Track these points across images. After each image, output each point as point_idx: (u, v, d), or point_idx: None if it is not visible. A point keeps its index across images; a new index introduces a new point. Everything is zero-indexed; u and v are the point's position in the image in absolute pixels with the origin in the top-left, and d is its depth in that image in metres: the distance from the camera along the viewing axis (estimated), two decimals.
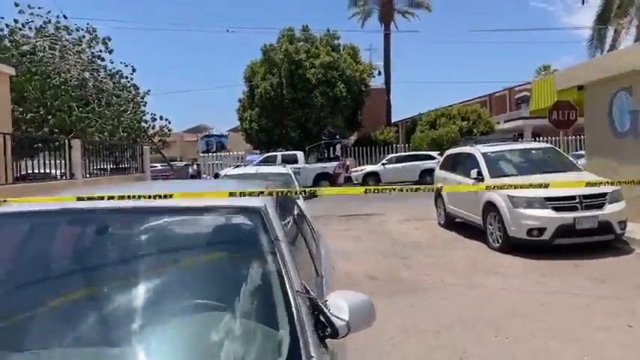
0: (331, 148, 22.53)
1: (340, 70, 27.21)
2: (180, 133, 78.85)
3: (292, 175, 8.13)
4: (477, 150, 8.84)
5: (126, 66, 12.61)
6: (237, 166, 10.18)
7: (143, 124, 12.04)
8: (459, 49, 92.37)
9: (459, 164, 9.56)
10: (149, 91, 12.84)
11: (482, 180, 8.23)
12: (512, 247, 7.34)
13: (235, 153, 31.38)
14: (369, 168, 23.99)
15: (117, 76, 11.93)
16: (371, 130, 30.92)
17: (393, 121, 35.09)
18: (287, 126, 27.11)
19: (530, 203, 7.06)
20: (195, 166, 33.01)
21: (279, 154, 21.58)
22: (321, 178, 20.72)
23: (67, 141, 7.25)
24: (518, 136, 28.77)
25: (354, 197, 19.75)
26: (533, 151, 8.78)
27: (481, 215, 8.13)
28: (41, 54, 11.53)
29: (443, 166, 10.61)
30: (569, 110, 10.23)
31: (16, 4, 11.46)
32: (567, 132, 11.90)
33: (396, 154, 25.40)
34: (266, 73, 27.36)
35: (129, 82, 12.65)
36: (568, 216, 6.85)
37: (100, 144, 9.27)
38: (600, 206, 6.93)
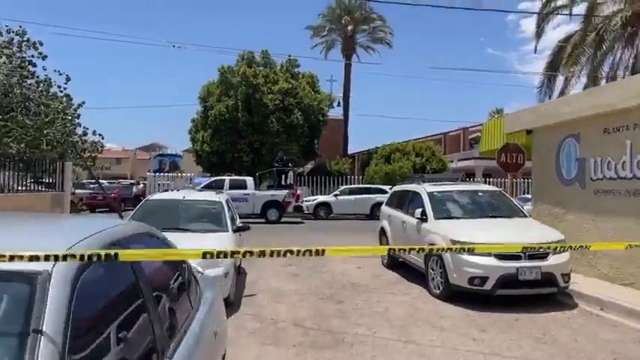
0: (283, 175, 21.88)
1: (298, 98, 26.93)
2: (134, 150, 76.67)
3: (224, 205, 7.42)
4: (423, 189, 8.45)
5: (60, 74, 11.67)
6: (166, 190, 9.41)
7: (73, 137, 11.04)
8: (418, 86, 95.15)
9: (405, 202, 9.15)
10: (83, 102, 11.91)
11: (425, 220, 7.80)
12: (454, 294, 6.87)
13: (186, 174, 30.26)
14: (321, 198, 23.52)
15: (45, 84, 10.95)
16: (327, 159, 30.63)
17: (349, 152, 35.04)
18: (240, 150, 26.40)
19: (473, 249, 6.63)
20: (140, 186, 31.52)
21: (227, 178, 20.76)
22: (270, 206, 19.99)
23: None
24: (467, 176, 29.13)
25: (303, 227, 19.16)
26: (480, 194, 8.46)
27: (423, 258, 7.67)
28: None
29: (389, 203, 10.19)
30: (518, 153, 10.10)
31: None
32: (515, 175, 11.78)
33: (350, 186, 25.07)
34: (222, 94, 26.72)
35: (61, 91, 11.69)
36: (511, 265, 6.46)
37: (6, 157, 8.29)
38: (544, 257, 6.59)
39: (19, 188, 8.55)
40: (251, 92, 26.07)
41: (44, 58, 11.70)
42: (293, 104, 26.57)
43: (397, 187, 10.40)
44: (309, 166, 33.00)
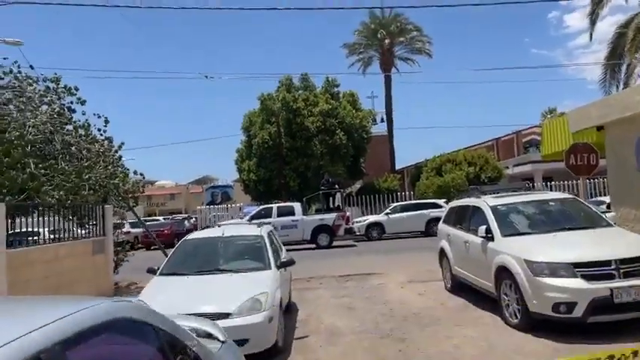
0: (330, 198, 21.25)
1: (340, 118, 26.40)
2: (186, 184, 78.74)
3: (266, 239, 6.82)
4: (485, 202, 7.53)
5: (99, 117, 11.64)
6: (207, 227, 8.99)
7: (114, 180, 10.89)
8: (463, 94, 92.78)
9: (465, 219, 8.24)
10: (122, 143, 11.85)
11: (491, 239, 6.88)
12: (535, 324, 5.90)
13: (237, 205, 30.27)
14: (372, 218, 22.65)
15: (83, 128, 10.90)
16: (375, 178, 29.80)
17: (397, 167, 34.04)
18: (286, 176, 26.05)
19: (554, 270, 5.68)
20: (192, 220, 31.84)
21: (274, 206, 20.35)
22: (320, 231, 19.34)
23: None
24: (528, 182, 27.41)
25: (355, 250, 18.35)
26: (552, 203, 7.44)
27: (493, 282, 6.73)
28: (5, 107, 10.63)
29: (447, 221, 9.28)
30: (589, 153, 8.96)
31: None
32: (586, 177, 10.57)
33: (401, 203, 24.08)
34: (264, 122, 26.61)
35: (101, 134, 11.64)
36: (603, 286, 5.45)
37: (44, 206, 8.09)
38: None
39: (60, 237, 8.33)
40: (292, 117, 25.81)
41: (83, 103, 11.73)
42: (335, 125, 26.05)
43: (454, 203, 9.49)
44: (357, 185, 32.25)
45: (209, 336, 3.01)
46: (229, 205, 30.72)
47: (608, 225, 6.88)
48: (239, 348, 5.05)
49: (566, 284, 5.55)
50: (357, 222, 22.50)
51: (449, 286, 8.95)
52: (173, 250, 6.84)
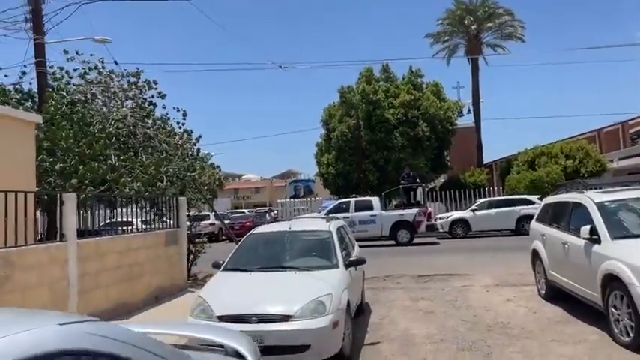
0: (411, 192, 20.33)
1: (422, 109, 25.25)
2: (271, 179, 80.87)
3: (335, 235, 6.33)
4: (589, 199, 6.48)
5: (178, 111, 11.84)
6: (275, 220, 8.68)
7: (192, 173, 10.98)
8: (559, 81, 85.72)
9: (563, 217, 7.20)
10: (200, 136, 11.98)
11: (597, 241, 5.86)
12: None
13: (318, 199, 30.22)
14: (456, 215, 21.40)
15: (161, 121, 11.10)
16: (461, 172, 28.29)
17: (485, 161, 32.11)
18: (365, 170, 25.44)
19: None
20: (273, 213, 32.36)
21: (352, 200, 19.84)
22: (400, 227, 18.55)
23: (59, 195, 6.16)
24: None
25: (438, 248, 17.36)
26: None
27: (599, 292, 5.73)
28: (92, 102, 11.09)
29: (541, 219, 8.24)
30: None
31: (66, 52, 11.21)
32: None
33: (489, 199, 22.56)
34: (343, 115, 26.16)
35: (180, 127, 11.82)
36: None
37: (120, 197, 8.21)
38: None
39: (136, 229, 8.46)
40: (371, 109, 25.09)
41: (163, 96, 11.99)
42: (417, 116, 24.94)
43: (551, 199, 8.40)
44: (441, 180, 30.86)
45: (237, 355, 2.57)
46: (311, 199, 30.77)
47: None
48: (299, 355, 4.64)
49: None
50: (440, 218, 21.39)
51: (542, 292, 7.93)
52: (239, 244, 6.57)
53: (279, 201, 31.75)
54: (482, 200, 22.23)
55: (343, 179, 26.18)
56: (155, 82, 11.23)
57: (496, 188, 26.15)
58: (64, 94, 10.78)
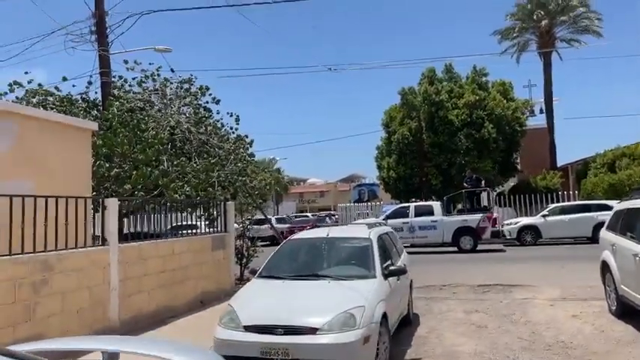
0: (475, 197, 19.39)
1: (488, 110, 24.08)
2: (335, 183, 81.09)
3: (375, 243, 6.01)
4: None
5: (231, 115, 12.01)
6: (315, 226, 8.48)
7: (244, 177, 11.07)
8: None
9: (636, 226, 6.42)
10: (252, 141, 11.99)
11: None
12: None
13: (379, 203, 29.76)
14: (525, 220, 20.14)
15: (213, 127, 11.28)
16: (532, 175, 26.70)
17: (559, 164, 30.10)
18: (427, 173, 24.65)
19: None
20: (334, 217, 32.21)
21: (412, 205, 19.24)
22: (463, 233, 17.72)
23: (101, 200, 6.32)
24: None
25: (502, 257, 16.38)
26: None
27: None
28: (150, 109, 11.49)
29: (612, 227, 7.44)
30: None
31: (126, 62, 11.69)
32: None
33: (561, 204, 21.05)
34: (404, 117, 25.54)
35: (233, 132, 11.97)
36: None
37: (164, 202, 8.37)
38: None
39: (182, 232, 8.61)
40: (434, 110, 24.29)
41: (217, 102, 12.23)
42: (482, 117, 23.80)
43: (623, 204, 7.56)
44: (510, 184, 29.29)
45: None
46: (373, 204, 30.37)
47: None
48: None
49: None
50: (507, 224, 20.23)
51: (613, 308, 7.14)
52: (275, 250, 6.43)
53: (339, 205, 31.60)
54: (555, 205, 20.78)
55: (404, 183, 25.54)
56: (207, 88, 11.46)
57: (571, 193, 24.39)
58: (125, 102, 11.23)
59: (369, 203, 31.53)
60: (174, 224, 10.35)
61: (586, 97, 77.62)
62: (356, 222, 10.33)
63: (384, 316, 5.11)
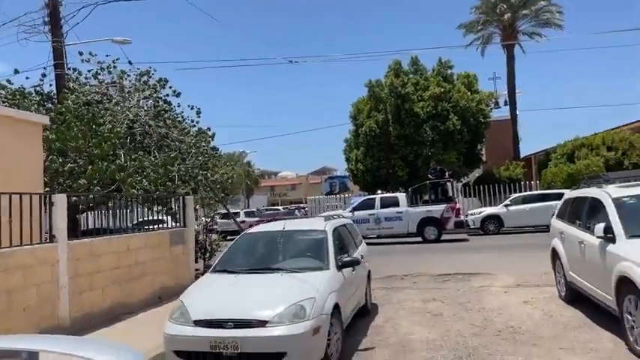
0: (439, 188, 19.71)
1: (453, 102, 24.44)
2: (307, 175, 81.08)
3: (330, 235, 6.05)
4: (606, 193, 5.93)
5: (192, 108, 11.83)
6: (271, 221, 8.50)
7: (206, 171, 10.93)
8: (601, 68, 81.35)
9: (581, 214, 6.66)
10: (214, 134, 11.86)
11: (612, 240, 5.34)
12: None
13: (350, 195, 29.91)
14: (488, 210, 20.63)
15: (172, 120, 11.10)
16: (496, 166, 27.30)
17: (523, 155, 30.85)
18: (394, 165, 24.89)
19: None
20: (303, 210, 32.31)
21: (377, 196, 19.44)
22: (427, 224, 18.01)
23: (44, 197, 6.16)
24: None
25: (465, 246, 16.72)
26: None
27: (614, 296, 5.22)
28: (109, 102, 11.22)
29: (560, 215, 7.69)
30: None
31: (80, 53, 11.38)
32: None
33: (523, 194, 21.61)
34: (371, 110, 25.67)
35: (193, 125, 11.81)
36: None
37: (121, 197, 8.22)
38: None
39: (146, 228, 8.49)
40: (400, 103, 24.49)
41: (178, 95, 12.03)
42: (447, 109, 24.15)
43: (571, 193, 7.84)
44: (476, 174, 29.88)
45: None
46: (344, 196, 30.53)
47: None
48: None
49: None
50: (471, 214, 20.69)
51: (563, 294, 7.40)
52: (230, 245, 6.40)
53: (309, 197, 31.65)
54: (516, 195, 21.33)
55: (372, 175, 25.74)
56: (166, 81, 11.25)
57: (533, 183, 25.07)
58: (80, 95, 10.94)
59: (340, 195, 31.67)
60: (140, 220, 10.18)
61: (549, 88, 79.71)
62: (321, 215, 10.37)
63: (337, 307, 5.17)
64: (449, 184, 19.88)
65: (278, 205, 60.75)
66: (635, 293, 4.72)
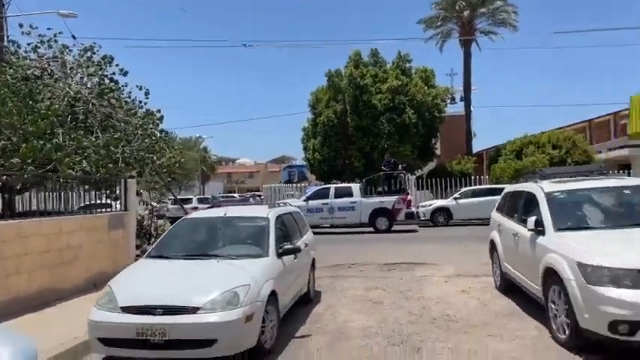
0: (392, 179, 19.98)
1: (410, 95, 24.78)
2: (265, 163, 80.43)
3: (271, 222, 5.99)
4: (540, 188, 6.15)
5: (140, 89, 11.43)
6: (212, 207, 8.39)
7: (150, 154, 10.59)
8: (555, 69, 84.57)
9: (517, 207, 6.88)
10: (162, 117, 11.52)
11: (542, 233, 5.55)
12: (589, 344, 4.59)
13: (309, 184, 29.89)
14: (438, 203, 21.12)
15: (118, 100, 10.70)
16: (449, 160, 27.95)
17: (475, 150, 31.72)
18: (351, 156, 25.05)
19: (616, 278, 4.32)
20: (258, 198, 32.10)
21: (332, 186, 19.52)
22: (379, 214, 18.24)
23: None
24: (621, 168, 24.20)
25: (413, 237, 17.04)
26: (627, 192, 5.89)
27: (541, 286, 5.43)
28: (50, 78, 10.68)
29: (500, 208, 7.93)
30: None
31: (20, 25, 10.78)
32: None
33: (472, 188, 22.28)
34: (330, 99, 25.68)
35: (141, 106, 11.42)
36: None
37: (57, 178, 7.88)
38: None
39: (73, 210, 8.15)
40: (359, 94, 24.62)
41: (125, 74, 11.60)
42: (404, 102, 24.48)
43: (510, 188, 8.08)
44: (429, 167, 30.51)
45: None
46: (302, 185, 30.49)
47: None
48: (204, 350, 4.34)
49: (630, 297, 4.18)
50: (422, 206, 21.12)
51: (498, 284, 7.65)
52: (169, 229, 6.23)
53: (264, 185, 31.44)
54: (466, 189, 21.94)
55: (328, 165, 25.83)
56: (111, 58, 10.80)
57: (483, 177, 25.83)
58: (19, 69, 10.36)
59: (298, 184, 31.62)
60: (87, 203, 9.79)
61: (506, 86, 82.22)
62: (282, 202, 10.26)
63: (273, 294, 5.13)
64: (402, 176, 20.14)
65: (235, 193, 60.17)
66: (558, 284, 4.91)
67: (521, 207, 6.65)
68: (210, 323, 4.32)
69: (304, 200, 18.88)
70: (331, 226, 19.61)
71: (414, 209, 19.43)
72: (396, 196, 18.42)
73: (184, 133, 58.21)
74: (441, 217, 20.37)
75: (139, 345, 4.34)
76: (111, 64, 10.86)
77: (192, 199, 29.99)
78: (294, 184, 31.78)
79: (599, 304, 4.33)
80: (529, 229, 5.77)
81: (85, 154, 9.26)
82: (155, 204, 11.53)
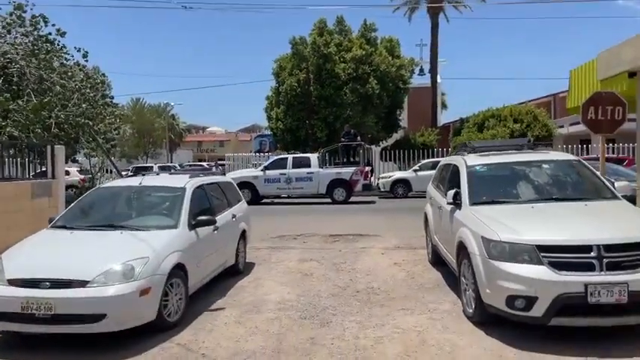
0: (351, 150, 19.86)
1: (374, 65, 24.45)
2: (236, 132, 79.31)
3: (187, 193, 5.77)
4: (464, 161, 6.08)
5: (78, 50, 10.88)
6: (131, 175, 8.12)
7: (86, 120, 10.14)
8: (522, 45, 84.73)
9: (445, 180, 6.83)
10: (104, 81, 11.02)
11: (459, 206, 5.50)
12: (494, 318, 4.60)
13: (268, 154, 29.56)
14: (397, 175, 21.14)
15: (56, 60, 10.16)
16: (414, 132, 27.95)
17: (443, 122, 31.84)
18: (314, 126, 24.76)
19: (514, 253, 4.30)
20: (220, 168, 31.61)
21: (290, 156, 19.30)
22: (337, 185, 18.17)
23: None
24: (582, 142, 24.61)
25: (370, 208, 17.08)
26: (546, 166, 5.87)
27: (455, 259, 5.42)
28: None
29: (433, 181, 7.87)
30: (615, 106, 7.06)
31: None
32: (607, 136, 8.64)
33: (432, 160, 22.30)
34: (294, 68, 25.16)
35: (80, 69, 10.88)
36: (576, 279, 4.04)
37: None
38: (635, 266, 4.05)
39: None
40: (322, 63, 24.18)
41: (63, 34, 10.99)
42: (368, 72, 24.16)
43: (443, 160, 8.03)
44: (395, 139, 30.51)
45: None
46: (267, 154, 30.14)
47: (614, 197, 5.27)
48: (92, 325, 4.17)
49: (525, 272, 4.17)
50: (382, 178, 21.14)
51: (430, 257, 7.67)
52: (78, 199, 5.97)
53: (230, 154, 30.94)
54: (426, 161, 21.98)
55: (292, 135, 25.52)
56: (45, 18, 10.19)
57: (446, 149, 25.95)
58: None
59: (268, 154, 31.25)
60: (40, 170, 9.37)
61: (476, 58, 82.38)
62: (235, 172, 10.01)
63: (180, 266, 4.98)
64: (361, 147, 20.02)
65: (204, 161, 59.27)
66: (468, 258, 4.88)
67: (447, 180, 6.60)
68: (97, 298, 4.15)
69: (262, 170, 18.66)
70: (288, 197, 19.50)
71: (371, 181, 19.41)
72: (354, 168, 18.35)
73: (153, 100, 56.70)
74: (401, 189, 20.41)
75: (25, 319, 4.15)
76: (46, 24, 10.24)
77: (152, 167, 29.36)
78: (265, 154, 31.44)
79: (498, 279, 4.32)
80: (448, 203, 5.73)
81: (12, 117, 8.79)
82: (96, 170, 11.12)
